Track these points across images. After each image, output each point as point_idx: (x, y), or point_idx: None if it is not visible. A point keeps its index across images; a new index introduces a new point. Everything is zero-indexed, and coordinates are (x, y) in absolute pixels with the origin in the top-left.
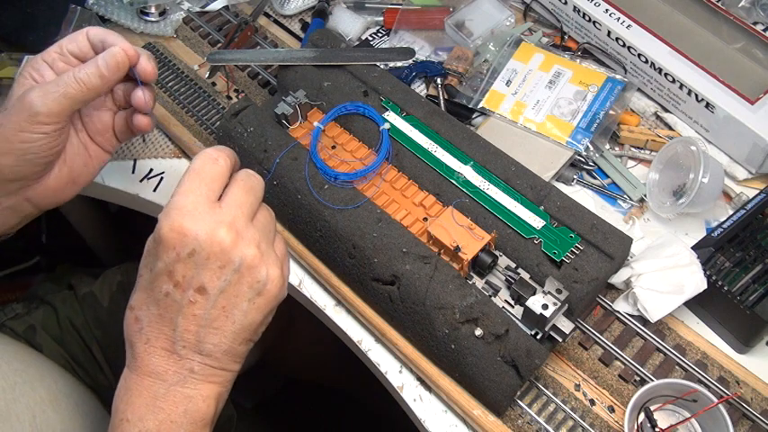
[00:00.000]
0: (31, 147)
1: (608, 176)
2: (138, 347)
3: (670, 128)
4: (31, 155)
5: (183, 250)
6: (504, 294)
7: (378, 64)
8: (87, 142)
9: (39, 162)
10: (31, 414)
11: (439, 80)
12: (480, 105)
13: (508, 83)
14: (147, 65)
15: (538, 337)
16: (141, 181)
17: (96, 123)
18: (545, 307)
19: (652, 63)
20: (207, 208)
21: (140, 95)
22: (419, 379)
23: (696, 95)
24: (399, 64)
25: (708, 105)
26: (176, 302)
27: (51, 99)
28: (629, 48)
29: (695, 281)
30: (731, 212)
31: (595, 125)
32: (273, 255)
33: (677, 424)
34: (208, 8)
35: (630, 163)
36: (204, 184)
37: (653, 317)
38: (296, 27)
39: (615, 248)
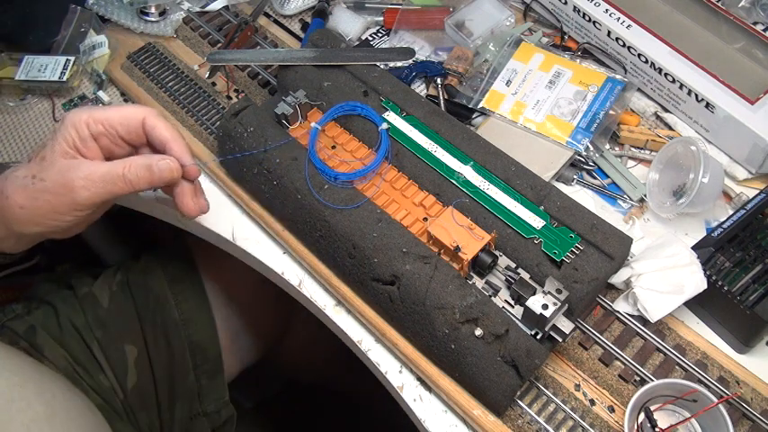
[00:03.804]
0: (62, 224)
1: (608, 176)
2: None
3: (670, 128)
4: (59, 229)
5: None
6: (504, 294)
7: (378, 64)
8: None
9: (65, 230)
10: (26, 431)
11: (439, 80)
12: (480, 105)
13: (508, 83)
14: (195, 174)
15: (538, 337)
16: None
17: None
18: (545, 307)
19: (652, 63)
20: None
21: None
22: (419, 379)
23: (696, 95)
24: (399, 64)
25: (708, 105)
26: None
27: (95, 192)
28: (629, 48)
29: (695, 281)
30: (731, 212)
31: (595, 125)
32: None
33: (677, 424)
34: (208, 8)
35: (630, 163)
36: None
37: (653, 317)
38: (296, 27)
39: (615, 248)
